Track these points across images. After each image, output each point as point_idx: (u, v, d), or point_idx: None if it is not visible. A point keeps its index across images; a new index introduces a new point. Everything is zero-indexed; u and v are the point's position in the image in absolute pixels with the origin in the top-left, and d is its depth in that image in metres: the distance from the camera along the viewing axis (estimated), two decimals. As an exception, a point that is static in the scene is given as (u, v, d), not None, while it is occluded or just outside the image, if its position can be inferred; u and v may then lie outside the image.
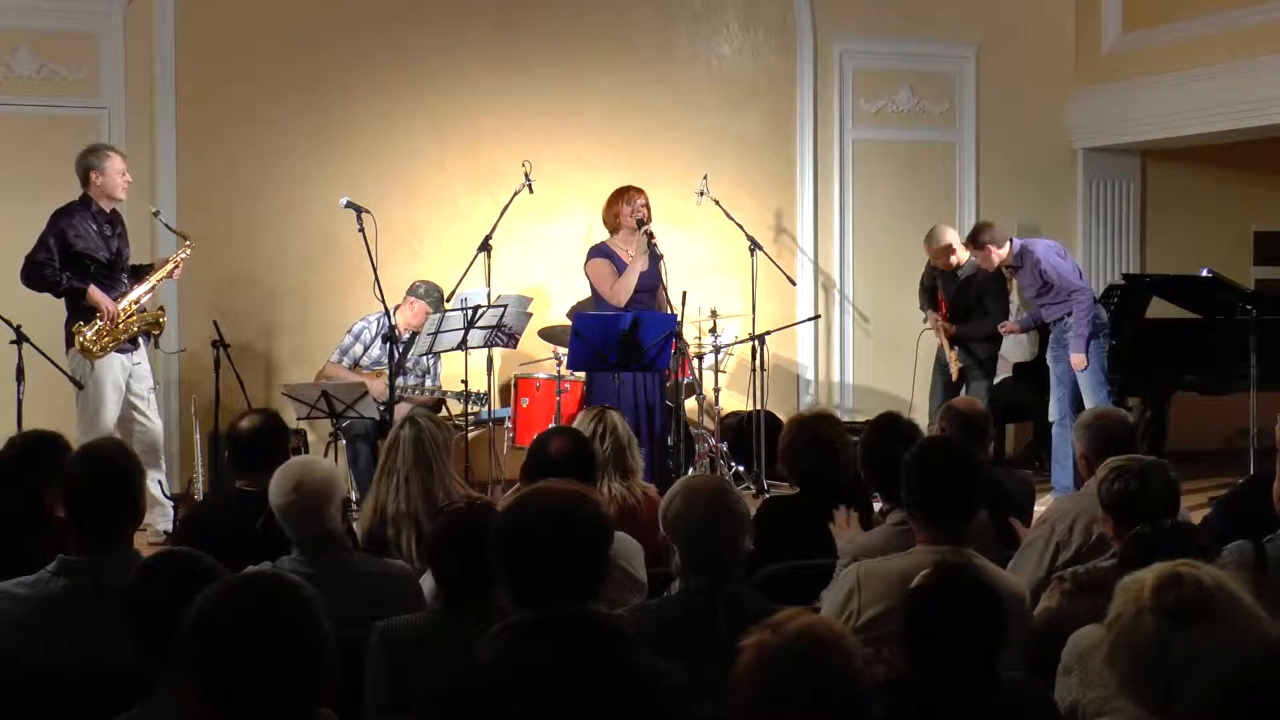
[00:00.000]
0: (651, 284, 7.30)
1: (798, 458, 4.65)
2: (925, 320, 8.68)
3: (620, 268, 7.26)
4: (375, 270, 7.19)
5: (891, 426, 4.52)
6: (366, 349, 7.77)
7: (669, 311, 7.19)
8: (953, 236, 8.53)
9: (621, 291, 7.20)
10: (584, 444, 4.25)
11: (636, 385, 7.11)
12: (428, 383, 7.83)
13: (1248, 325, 8.23)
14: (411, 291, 7.82)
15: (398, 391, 7.26)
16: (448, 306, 7.51)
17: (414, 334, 7.55)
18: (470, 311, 7.25)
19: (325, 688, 2.23)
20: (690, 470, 7.37)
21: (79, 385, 6.66)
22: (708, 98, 9.33)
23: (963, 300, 8.50)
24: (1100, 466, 3.70)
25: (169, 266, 7.02)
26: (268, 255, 8.46)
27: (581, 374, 7.57)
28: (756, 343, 8.40)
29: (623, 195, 7.35)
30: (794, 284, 9.20)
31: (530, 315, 7.81)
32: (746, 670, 2.05)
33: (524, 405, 8.11)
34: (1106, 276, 10.09)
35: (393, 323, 7.20)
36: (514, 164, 8.11)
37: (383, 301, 7.22)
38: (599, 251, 7.34)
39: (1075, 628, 2.98)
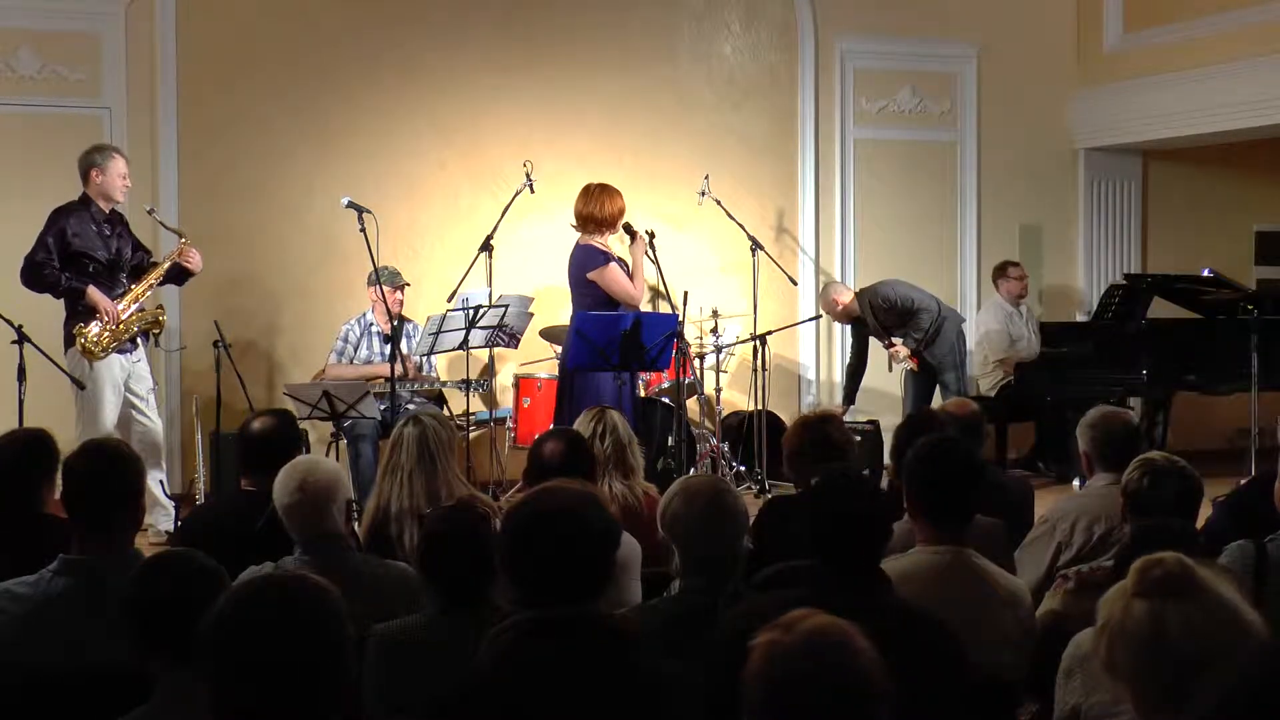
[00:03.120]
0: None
1: (803, 460, 4.64)
2: (890, 359, 8.81)
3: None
4: (376, 270, 7.21)
5: (927, 422, 4.52)
6: (356, 349, 7.78)
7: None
8: (839, 293, 8.80)
9: (640, 291, 7.12)
10: (579, 445, 4.25)
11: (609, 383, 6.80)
12: (425, 371, 7.81)
13: (1248, 325, 8.23)
14: (371, 283, 7.51)
15: (397, 386, 7.26)
16: (449, 306, 7.50)
17: (400, 320, 7.41)
18: (472, 311, 7.24)
19: (345, 691, 2.18)
20: (691, 471, 7.36)
21: (80, 385, 6.65)
22: (709, 97, 9.33)
23: (885, 330, 8.70)
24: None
25: (166, 264, 7.00)
26: (269, 255, 8.45)
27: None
28: (758, 343, 8.41)
29: (619, 196, 6.98)
30: (795, 284, 9.20)
31: (532, 315, 7.80)
32: (757, 670, 2.02)
33: (525, 405, 8.10)
34: (1107, 276, 10.09)
35: (394, 321, 7.19)
36: (515, 164, 8.11)
37: (384, 300, 7.22)
38: (604, 256, 6.87)
39: (1079, 628, 2.96)
